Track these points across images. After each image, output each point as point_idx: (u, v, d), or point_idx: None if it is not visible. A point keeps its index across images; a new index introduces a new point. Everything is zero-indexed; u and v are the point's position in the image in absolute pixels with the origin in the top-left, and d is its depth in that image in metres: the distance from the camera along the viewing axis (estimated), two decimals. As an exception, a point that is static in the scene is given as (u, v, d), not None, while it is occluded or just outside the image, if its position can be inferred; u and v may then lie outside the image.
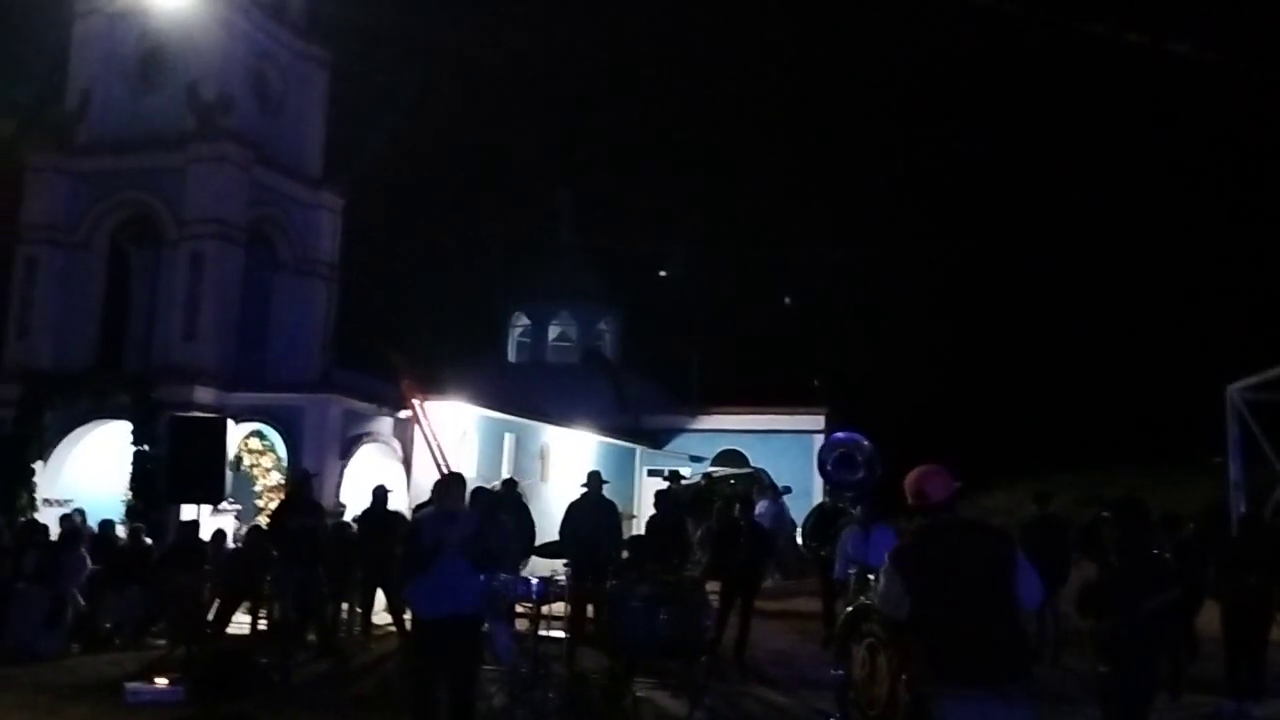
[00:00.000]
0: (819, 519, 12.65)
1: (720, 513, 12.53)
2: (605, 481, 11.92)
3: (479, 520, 7.38)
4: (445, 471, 16.70)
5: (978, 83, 54.13)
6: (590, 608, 11.42)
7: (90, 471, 17.96)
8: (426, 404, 18.11)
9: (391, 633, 12.25)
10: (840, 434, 9.69)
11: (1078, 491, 20.29)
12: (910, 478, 4.52)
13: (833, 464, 9.37)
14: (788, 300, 35.12)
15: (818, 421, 28.48)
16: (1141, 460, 26.00)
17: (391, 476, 17.20)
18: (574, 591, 10.88)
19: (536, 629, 10.34)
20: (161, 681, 9.01)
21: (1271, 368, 14.89)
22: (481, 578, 7.05)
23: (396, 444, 18.37)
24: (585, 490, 11.71)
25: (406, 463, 18.13)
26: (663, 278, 32.67)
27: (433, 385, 18.94)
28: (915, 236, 45.90)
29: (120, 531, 14.19)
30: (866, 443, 9.56)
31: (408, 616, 11.76)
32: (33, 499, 17.31)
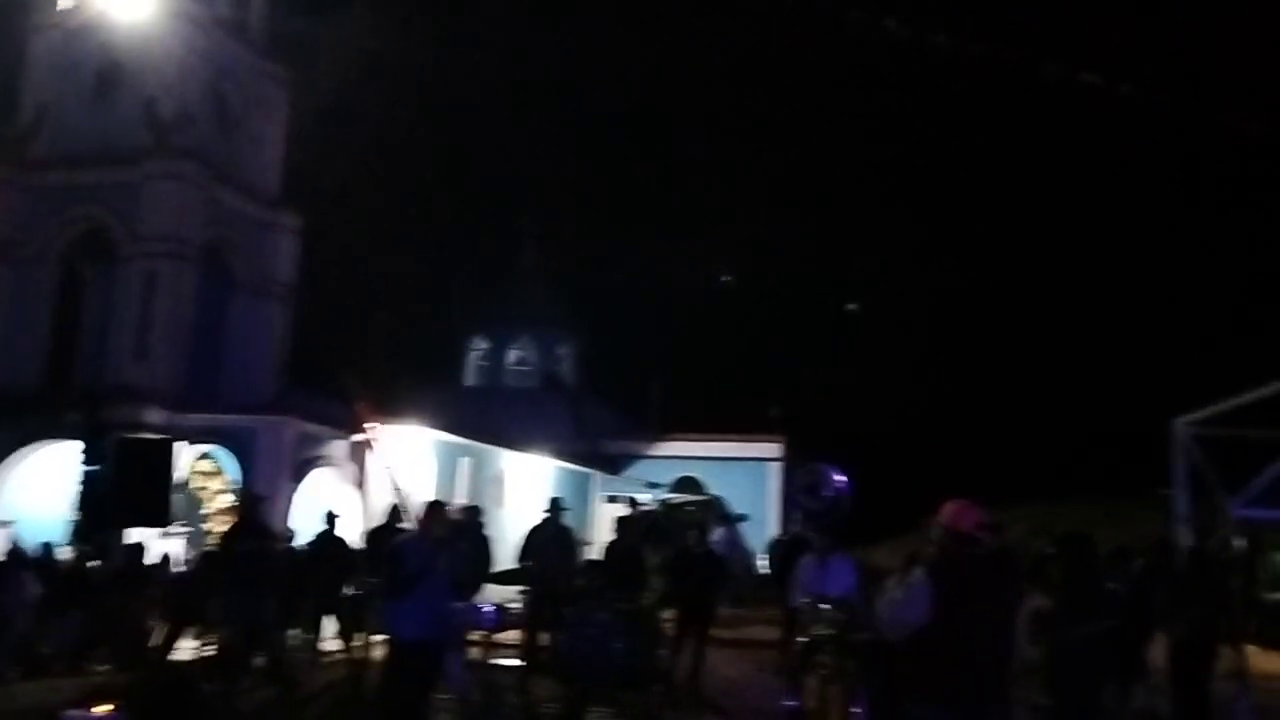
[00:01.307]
0: (785, 550, 12.66)
1: (676, 540, 12.53)
2: (566, 508, 11.88)
3: (460, 549, 7.56)
4: (400, 495, 16.55)
5: (946, 122, 55.05)
6: (545, 636, 11.34)
7: (36, 492, 17.58)
8: (382, 427, 17.94)
9: (340, 659, 12.06)
10: (819, 464, 9.80)
11: (1030, 523, 20.53)
12: (946, 508, 4.81)
13: (804, 490, 9.44)
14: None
15: (775, 450, 28.61)
16: (1092, 492, 26.39)
17: (344, 500, 17.02)
18: (530, 619, 10.80)
19: (488, 657, 10.24)
20: (102, 709, 8.78)
21: (1217, 402, 15.19)
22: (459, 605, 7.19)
23: (351, 467, 18.19)
24: (546, 516, 11.65)
25: (360, 486, 17.94)
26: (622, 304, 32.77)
27: (389, 408, 18.77)
28: (873, 271, 46.45)
29: (63, 553, 13.87)
30: (839, 477, 9.64)
31: (357, 643, 11.67)
32: (-27, 520, 16.91)
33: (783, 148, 57.84)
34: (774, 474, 28.00)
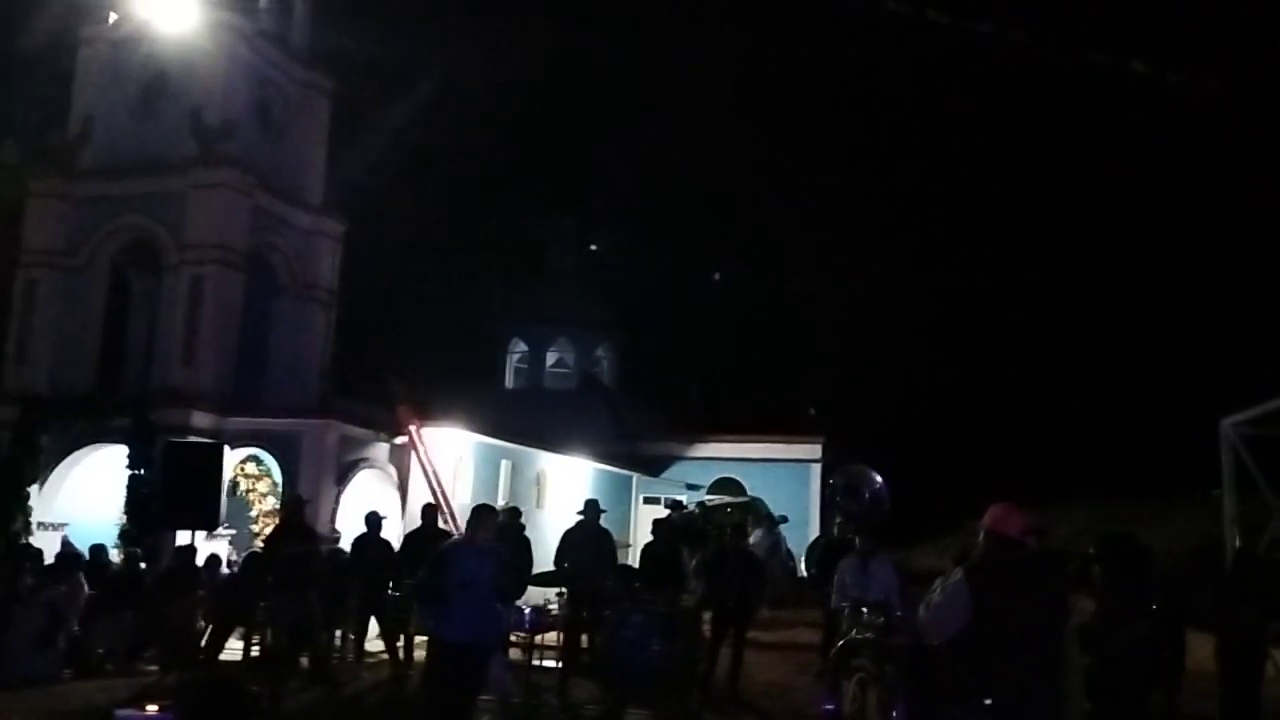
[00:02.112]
0: (824, 551, 12.63)
1: (714, 542, 12.54)
2: (602, 510, 11.94)
3: (504, 553, 7.49)
4: (442, 497, 16.72)
5: (972, 114, 54.51)
6: (585, 637, 11.41)
7: (86, 495, 17.93)
8: (423, 430, 18.12)
9: (384, 659, 12.22)
10: (855, 466, 9.80)
11: (1075, 524, 20.30)
12: (991, 511, 4.77)
13: (841, 492, 9.44)
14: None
15: (815, 451, 28.47)
16: (1139, 493, 26.00)
17: (387, 502, 17.20)
18: (569, 621, 10.88)
19: (530, 659, 10.33)
20: (152, 708, 8.95)
21: (1266, 401, 14.92)
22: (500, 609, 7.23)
23: (392, 470, 18.37)
24: (582, 519, 11.72)
25: (402, 489, 18.12)
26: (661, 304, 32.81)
27: (430, 411, 18.95)
28: (913, 267, 46.08)
29: (113, 556, 14.16)
30: (877, 479, 9.63)
31: (400, 644, 11.82)
32: (28, 522, 17.27)
33: (826, 144, 57.55)
34: (814, 475, 27.86)
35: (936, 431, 36.14)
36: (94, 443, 17.98)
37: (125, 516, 16.76)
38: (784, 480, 27.65)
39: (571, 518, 12.26)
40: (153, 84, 19.53)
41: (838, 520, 10.18)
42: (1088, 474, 29.89)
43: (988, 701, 4.34)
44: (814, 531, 24.09)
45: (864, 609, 6.38)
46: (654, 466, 28.68)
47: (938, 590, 4.60)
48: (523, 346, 33.49)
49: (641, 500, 26.55)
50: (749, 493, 26.57)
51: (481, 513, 7.52)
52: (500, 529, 11.73)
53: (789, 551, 21.89)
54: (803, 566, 19.64)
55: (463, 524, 12.47)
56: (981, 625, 4.41)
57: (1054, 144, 54.90)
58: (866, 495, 8.93)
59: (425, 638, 11.05)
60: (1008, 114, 54.71)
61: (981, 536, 4.75)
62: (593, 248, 36.61)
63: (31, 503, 17.52)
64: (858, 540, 10.14)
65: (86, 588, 12.12)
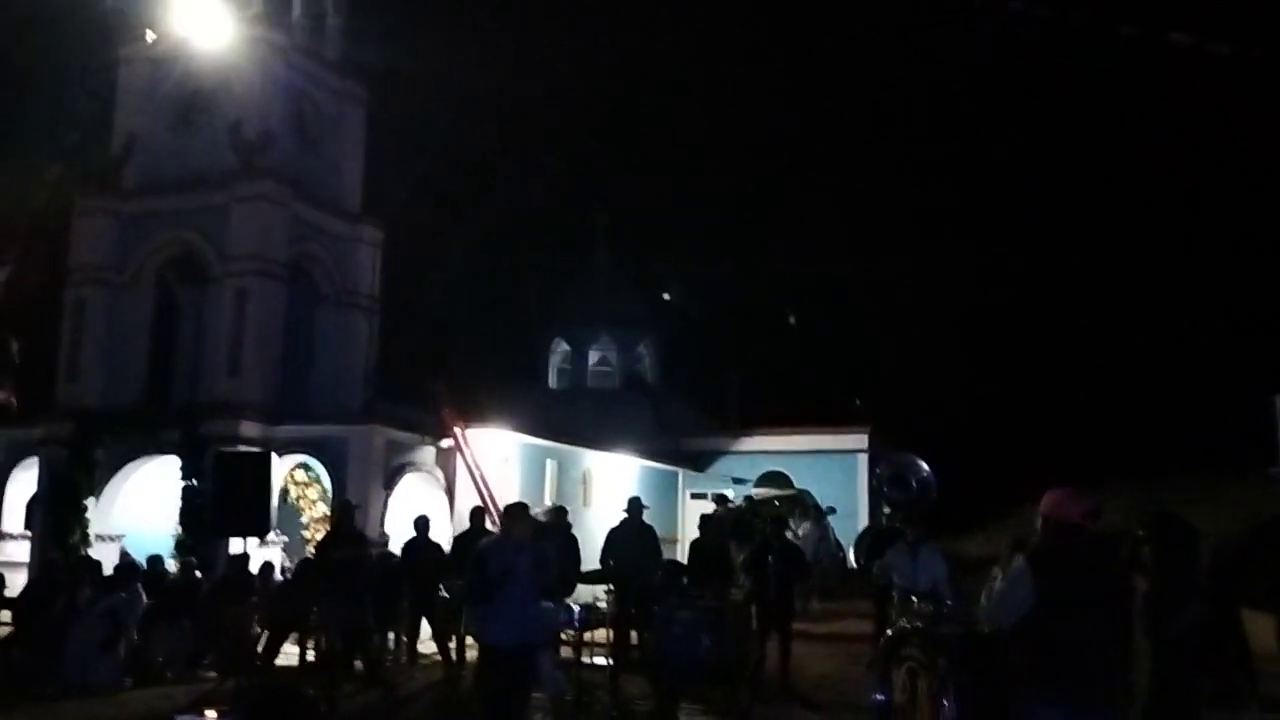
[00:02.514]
0: (873, 540, 12.53)
1: (758, 535, 12.49)
2: (645, 507, 11.94)
3: (544, 549, 7.41)
4: (489, 499, 16.81)
5: (1012, 89, 53.75)
6: (634, 634, 11.41)
7: (141, 506, 18.27)
8: (468, 432, 18.23)
9: (437, 661, 12.32)
10: (900, 454, 9.69)
11: (1127, 504, 19.93)
12: (1048, 497, 4.72)
13: (887, 482, 9.35)
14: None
15: (861, 441, 28.27)
16: (1191, 471, 25.50)
17: (435, 505, 17.33)
18: (617, 618, 10.88)
19: (579, 657, 10.35)
20: (211, 714, 9.11)
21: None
22: (548, 606, 7.18)
23: (439, 473, 18.50)
24: (626, 516, 11.73)
25: (449, 491, 18.25)
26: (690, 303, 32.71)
27: (474, 413, 19.07)
28: (956, 252, 45.56)
29: (170, 565, 14.40)
30: (923, 466, 9.51)
31: (453, 645, 11.90)
32: (85, 534, 17.64)
33: (869, 129, 57.07)
34: (861, 466, 27.66)
35: (983, 417, 35.73)
36: (146, 455, 18.30)
37: (180, 526, 17.05)
38: (831, 472, 27.49)
39: (618, 516, 12.28)
40: (191, 100, 19.83)
41: (885, 510, 10.09)
42: (1139, 454, 29.37)
43: (1055, 692, 4.27)
44: (862, 522, 23.92)
45: (914, 598, 6.32)
46: (699, 462, 28.64)
47: (999, 578, 4.54)
48: (565, 346, 33.57)
49: (688, 496, 26.50)
50: (796, 485, 26.44)
51: (515, 510, 7.48)
52: (547, 528, 11.81)
53: (838, 542, 21.76)
54: (852, 557, 19.49)
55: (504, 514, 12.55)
56: (1046, 612, 4.36)
57: (1098, 116, 53.98)
58: (913, 483, 8.83)
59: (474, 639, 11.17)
60: (1047, 90, 53.90)
61: (1040, 522, 4.68)
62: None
63: (88, 515, 17.88)
64: (906, 529, 10.06)
65: (145, 597, 12.33)
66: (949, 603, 6.22)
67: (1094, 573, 4.53)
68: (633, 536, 11.40)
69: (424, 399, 19.67)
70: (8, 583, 13.77)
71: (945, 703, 5.02)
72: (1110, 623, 4.47)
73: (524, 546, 6.96)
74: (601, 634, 11.09)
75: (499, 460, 18.89)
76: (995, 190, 53.75)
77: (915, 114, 59.14)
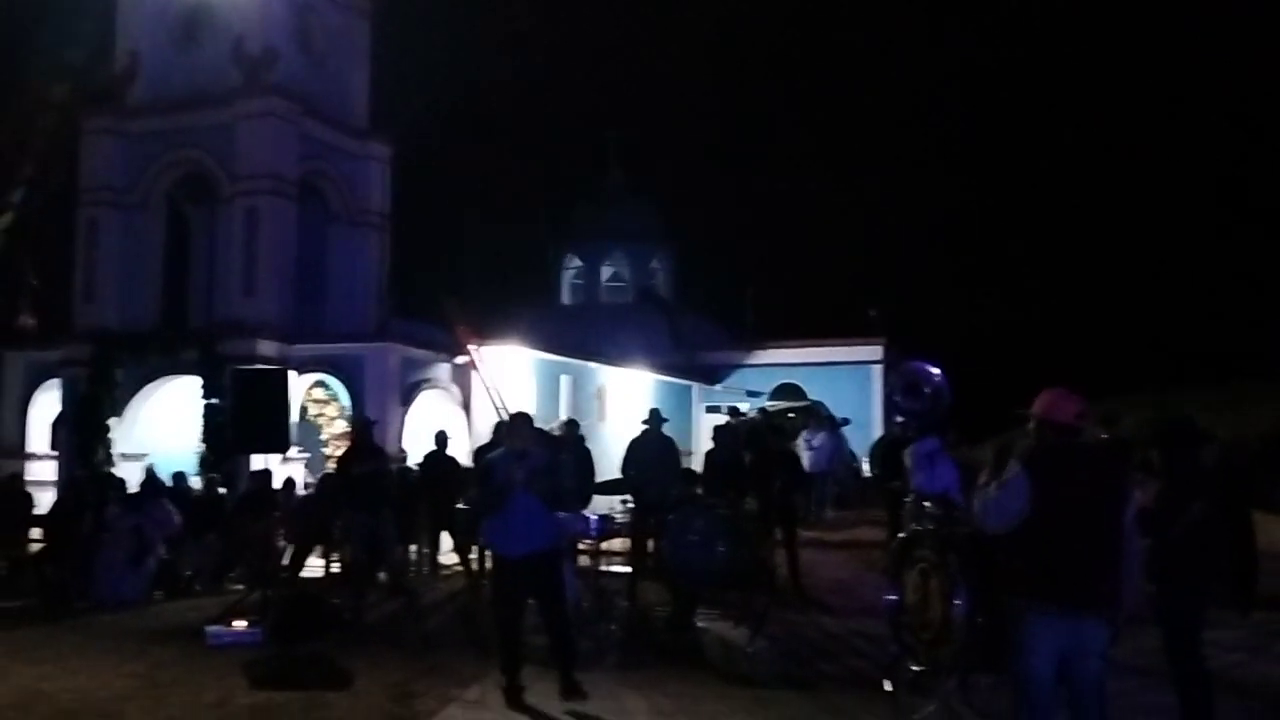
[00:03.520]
0: (886, 449, 12.61)
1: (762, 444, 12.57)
2: (665, 419, 12.01)
3: (547, 457, 7.40)
4: (504, 414, 16.96)
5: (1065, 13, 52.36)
6: (650, 543, 11.60)
7: (163, 426, 18.51)
8: (482, 349, 18.31)
9: (458, 572, 12.58)
10: (912, 363, 9.65)
11: (1144, 413, 19.95)
12: (1041, 399, 4.68)
13: (900, 392, 9.34)
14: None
15: (876, 352, 28.28)
16: (1214, 379, 25.47)
17: (451, 421, 17.51)
18: (634, 527, 11.06)
19: (597, 565, 10.55)
20: (240, 624, 9.36)
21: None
22: (558, 515, 7.17)
23: (455, 389, 18.64)
24: (645, 427, 11.82)
25: (466, 407, 18.41)
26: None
27: (488, 330, 19.13)
28: (972, 159, 44.93)
29: (194, 483, 14.65)
30: (936, 373, 9.49)
31: (473, 556, 12.14)
32: (109, 454, 17.92)
33: (879, 38, 55.85)
34: (876, 377, 27.72)
35: (1000, 325, 35.63)
36: (166, 375, 18.48)
37: (202, 444, 17.30)
38: (846, 383, 27.57)
39: (633, 429, 12.37)
40: (194, 16, 19.52)
41: (898, 419, 10.11)
42: (1157, 360, 29.32)
43: (1052, 595, 4.29)
44: (877, 433, 24.00)
45: (925, 502, 6.39)
46: (714, 375, 28.74)
47: (991, 485, 4.53)
48: (577, 262, 33.48)
49: (703, 410, 26.64)
50: (810, 397, 26.55)
51: (514, 419, 7.54)
52: (561, 441, 11.93)
53: (852, 453, 21.91)
54: (866, 467, 19.64)
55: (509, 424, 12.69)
56: (1042, 518, 4.34)
57: (1118, 32, 52.60)
58: (927, 391, 8.81)
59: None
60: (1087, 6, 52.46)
61: (1033, 425, 4.65)
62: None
63: (112, 435, 18.14)
64: (917, 438, 10.09)
65: (175, 514, 12.57)
66: (960, 505, 6.31)
67: (1090, 477, 4.50)
68: (652, 447, 11.49)
69: (438, 316, 19.72)
70: (36, 501, 14.07)
71: (957, 601, 5.10)
72: (1107, 529, 4.43)
73: (524, 454, 6.98)
74: (619, 543, 11.29)
75: (514, 376, 19.00)
76: (1015, 92, 52.72)
77: (934, 22, 57.75)
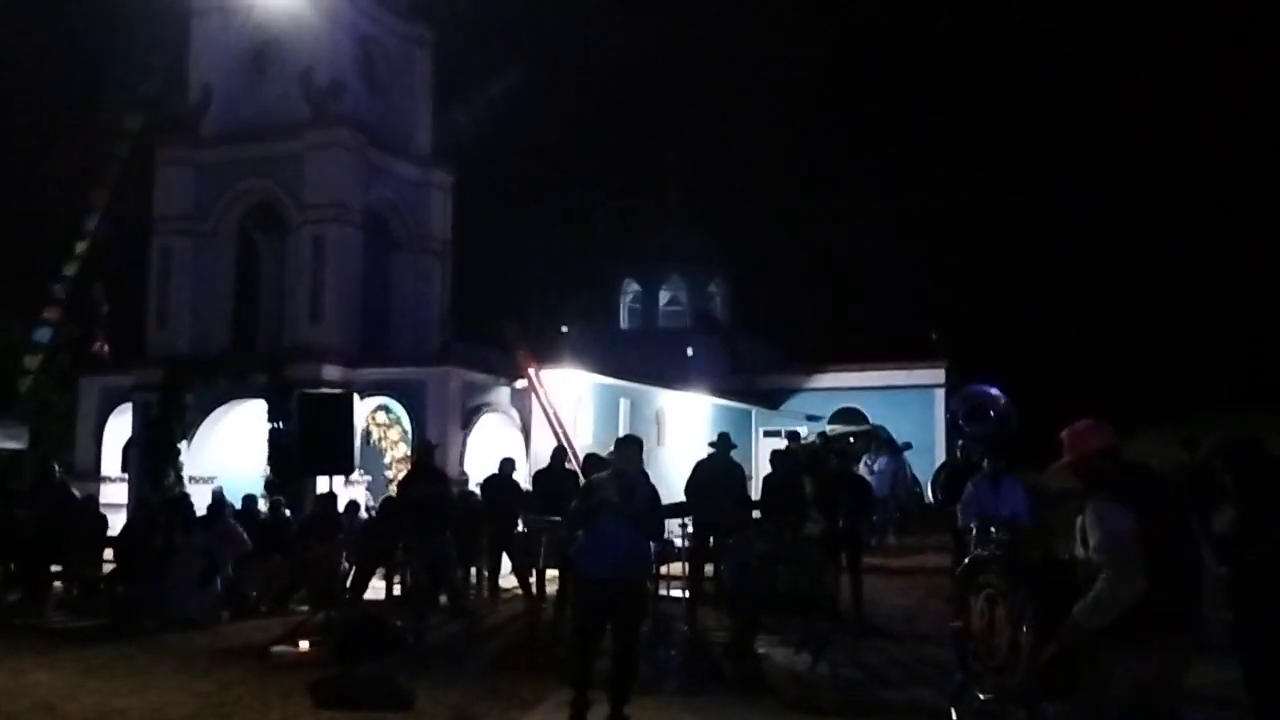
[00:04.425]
0: (950, 474, 12.46)
1: (822, 468, 12.48)
2: (734, 445, 11.97)
3: (649, 486, 7.18)
4: (564, 438, 17.04)
5: (1097, 17, 51.67)
6: (709, 567, 11.55)
7: (231, 449, 18.87)
8: (542, 373, 18.43)
9: (518, 594, 12.62)
10: (975, 386, 9.52)
11: (1222, 434, 19.40)
12: (1076, 436, 4.50)
13: (964, 416, 9.23)
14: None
15: (938, 376, 27.95)
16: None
17: (511, 444, 17.62)
18: (694, 551, 11.01)
19: (656, 589, 10.51)
20: (305, 644, 9.48)
21: None
22: (649, 543, 7.05)
23: (515, 413, 18.77)
24: (713, 451, 11.79)
25: (525, 431, 18.51)
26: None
27: (547, 355, 19.25)
28: (1036, 180, 44.30)
29: (261, 505, 14.89)
30: (1001, 396, 9.37)
31: (533, 580, 12.18)
32: (179, 477, 18.30)
33: (939, 57, 55.52)
34: (938, 401, 27.37)
35: (1065, 348, 34.97)
36: (234, 399, 18.86)
37: (268, 467, 17.60)
38: (907, 407, 27.28)
39: (692, 453, 12.36)
40: (263, 49, 20.03)
41: (960, 444, 9.93)
42: (1232, 382, 28.52)
43: (1148, 637, 4.08)
44: (939, 457, 23.67)
45: (993, 527, 6.28)
46: (773, 400, 28.60)
47: (1087, 522, 4.22)
48: (635, 286, 33.62)
49: (761, 434, 26.52)
50: (871, 421, 26.29)
51: (623, 443, 7.33)
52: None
53: (914, 478, 21.64)
54: (929, 492, 19.40)
55: (583, 463, 12.72)
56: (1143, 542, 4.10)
57: (1190, 48, 51.71)
58: (992, 414, 8.72)
59: (554, 571, 11.40)
60: (1135, 17, 51.70)
61: (1077, 459, 4.44)
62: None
63: (182, 458, 18.54)
64: (986, 461, 9.97)
65: (246, 538, 12.79)
66: (1029, 530, 6.18)
67: (1164, 501, 4.30)
68: (719, 472, 11.45)
69: (498, 341, 19.90)
70: (109, 523, 14.41)
71: (1024, 629, 4.99)
72: (1188, 554, 4.24)
73: (624, 477, 6.86)
74: (677, 567, 11.25)
75: (573, 400, 19.09)
76: (1078, 109, 51.94)
77: (994, 40, 57.24)
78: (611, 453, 7.77)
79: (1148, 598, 4.10)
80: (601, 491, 6.80)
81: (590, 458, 7.61)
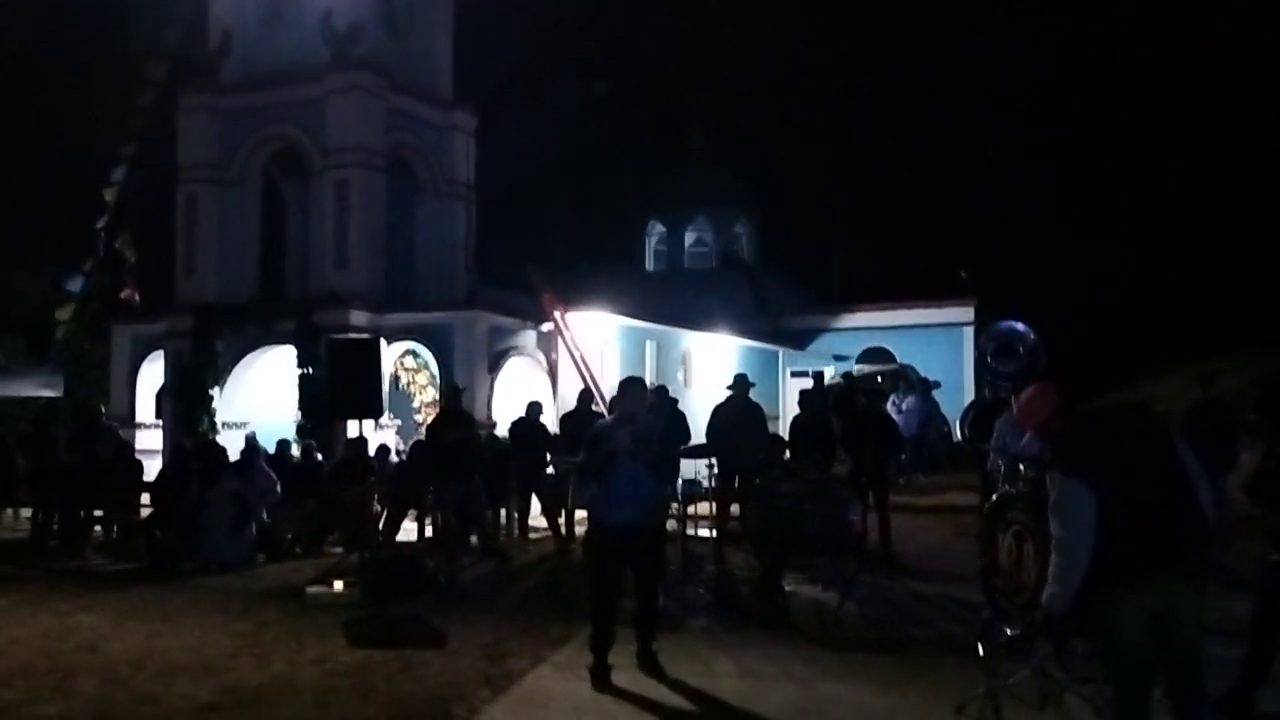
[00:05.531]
0: (978, 412, 12.40)
1: (849, 407, 12.44)
2: (752, 384, 11.97)
3: (658, 425, 7.09)
4: (591, 380, 17.09)
5: (1132, -59, 50.14)
6: (735, 507, 11.61)
7: (262, 395, 19.07)
8: (568, 316, 18.43)
9: (548, 535, 12.77)
10: (1003, 323, 9.39)
11: (1254, 371, 19.23)
12: (1018, 408, 4.62)
13: (993, 354, 9.11)
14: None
15: (967, 314, 27.71)
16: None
17: (538, 388, 17.69)
18: (719, 492, 11.07)
19: (684, 529, 10.59)
20: (339, 585, 9.65)
21: None
22: (666, 486, 6.98)
23: (541, 356, 18.82)
24: (731, 393, 11.80)
25: (552, 374, 18.57)
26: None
27: (573, 297, 19.23)
28: (1062, 115, 43.45)
29: (293, 450, 15.10)
30: (1029, 332, 9.24)
31: (561, 520, 12.30)
32: (213, 423, 18.55)
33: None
34: (967, 339, 27.16)
35: (1096, 284, 34.53)
36: (264, 345, 19.01)
37: (299, 412, 17.80)
38: (935, 346, 27.12)
39: (719, 395, 12.36)
40: (282, -7, 19.85)
41: (988, 380, 9.85)
42: (1264, 318, 28.09)
43: (1128, 558, 4.03)
44: (968, 396, 23.56)
45: (1021, 464, 6.24)
46: (800, 340, 28.50)
47: (1053, 525, 4.19)
48: (661, 228, 33.44)
49: (789, 374, 26.47)
50: (899, 361, 26.18)
51: (626, 385, 7.16)
52: (654, 407, 11.98)
53: (943, 417, 21.57)
54: (957, 430, 19.36)
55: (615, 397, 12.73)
56: (1104, 503, 4.05)
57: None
58: (1021, 351, 8.60)
59: (584, 512, 11.51)
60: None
61: (1036, 430, 4.52)
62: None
63: (214, 405, 18.78)
64: (1014, 398, 9.89)
65: (275, 479, 12.98)
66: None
67: (1147, 439, 4.22)
68: (739, 413, 11.47)
69: (524, 284, 19.89)
70: (145, 469, 14.66)
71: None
72: (1182, 489, 4.12)
73: (633, 420, 6.74)
74: (705, 507, 11.32)
75: (599, 343, 19.10)
76: (1107, 45, 50.75)
77: (1024, -32, 55.71)
78: (615, 396, 7.66)
79: (1129, 536, 4.04)
80: (611, 439, 6.67)
81: (629, 381, 7.32)
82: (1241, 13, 46.20)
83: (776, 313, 29.26)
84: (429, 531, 12.91)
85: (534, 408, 13.29)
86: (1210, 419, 10.32)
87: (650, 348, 21.08)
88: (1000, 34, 52.50)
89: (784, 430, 13.14)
